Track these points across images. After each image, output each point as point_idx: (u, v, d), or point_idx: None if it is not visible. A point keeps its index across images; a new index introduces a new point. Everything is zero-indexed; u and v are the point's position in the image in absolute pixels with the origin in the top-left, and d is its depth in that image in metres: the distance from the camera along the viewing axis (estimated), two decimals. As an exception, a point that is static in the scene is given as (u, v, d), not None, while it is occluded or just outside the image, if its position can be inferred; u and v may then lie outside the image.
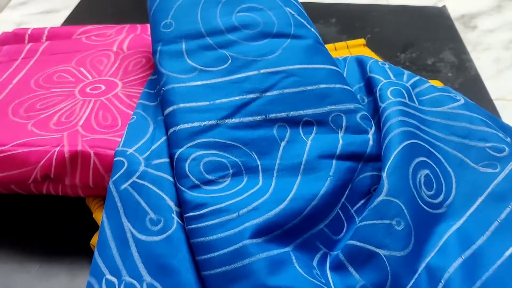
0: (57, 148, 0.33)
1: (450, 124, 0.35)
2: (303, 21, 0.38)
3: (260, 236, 0.28)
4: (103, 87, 0.40)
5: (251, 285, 0.26)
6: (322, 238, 0.31)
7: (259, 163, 0.32)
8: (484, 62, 0.56)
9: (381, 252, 0.28)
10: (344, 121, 0.34)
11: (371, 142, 0.34)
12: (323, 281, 0.28)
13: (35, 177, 0.34)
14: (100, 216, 0.34)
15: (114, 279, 0.29)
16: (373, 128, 0.35)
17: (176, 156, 0.32)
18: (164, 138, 0.34)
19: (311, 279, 0.27)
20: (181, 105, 0.34)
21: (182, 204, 0.31)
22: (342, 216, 0.32)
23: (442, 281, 0.28)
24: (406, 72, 0.41)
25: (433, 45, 0.57)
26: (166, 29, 0.37)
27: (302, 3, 0.42)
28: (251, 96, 0.34)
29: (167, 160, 0.33)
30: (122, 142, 0.34)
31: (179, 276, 0.28)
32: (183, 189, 0.31)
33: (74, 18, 0.64)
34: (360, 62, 0.41)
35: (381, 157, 0.32)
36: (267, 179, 0.32)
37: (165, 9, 0.38)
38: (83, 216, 0.36)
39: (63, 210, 0.38)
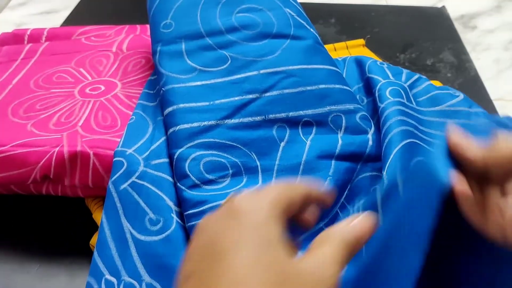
0: (57, 149, 0.33)
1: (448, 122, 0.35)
2: (302, 21, 0.39)
3: None
4: (103, 88, 0.40)
5: None
6: None
7: (258, 163, 0.32)
8: (483, 63, 0.56)
9: None
10: (344, 121, 0.34)
11: (370, 142, 0.34)
12: None
13: (35, 177, 0.34)
14: (99, 216, 0.34)
15: (114, 279, 0.29)
16: (373, 128, 0.35)
17: (175, 156, 0.32)
18: (163, 139, 0.34)
19: None
20: (181, 105, 0.34)
21: (182, 202, 0.31)
22: (342, 216, 0.32)
23: None
24: (405, 71, 0.41)
25: (432, 46, 0.57)
26: (165, 29, 0.37)
27: (301, 3, 0.42)
28: (250, 96, 0.34)
29: (166, 160, 0.33)
30: (121, 143, 0.34)
31: (177, 275, 0.28)
32: (183, 188, 0.31)
33: (74, 19, 0.64)
34: (359, 63, 0.41)
35: (382, 157, 0.32)
36: (267, 179, 0.32)
37: (165, 9, 0.38)
38: (82, 216, 0.36)
39: (63, 211, 0.38)
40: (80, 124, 0.36)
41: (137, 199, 0.31)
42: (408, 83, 0.39)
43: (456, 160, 0.22)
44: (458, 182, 0.21)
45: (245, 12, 0.38)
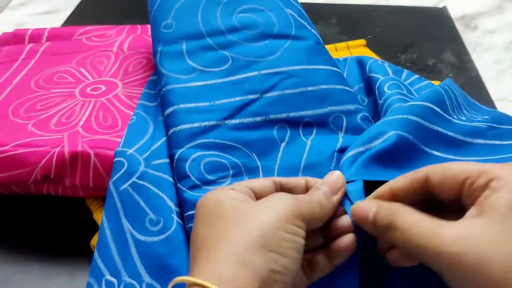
0: (57, 149, 0.33)
1: None
2: (303, 22, 0.38)
3: None
4: (104, 88, 0.40)
5: None
6: None
7: (259, 164, 0.32)
8: (484, 63, 0.56)
9: None
10: (345, 122, 0.34)
11: None
12: None
13: (35, 177, 0.33)
14: (100, 216, 0.34)
15: (114, 280, 0.29)
16: None
17: (176, 157, 0.32)
18: (164, 139, 0.34)
19: None
20: (182, 105, 0.33)
21: (182, 203, 0.31)
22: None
23: None
24: (405, 71, 0.40)
25: (433, 46, 0.57)
26: (166, 29, 0.37)
27: (302, 3, 0.42)
28: (251, 97, 0.34)
29: (167, 160, 0.33)
30: (122, 143, 0.34)
31: (178, 276, 0.28)
32: (184, 189, 0.31)
33: (74, 19, 0.64)
34: (360, 63, 0.41)
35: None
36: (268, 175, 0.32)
37: (166, 9, 0.38)
38: (83, 216, 0.36)
39: (63, 211, 0.38)
40: (80, 124, 0.36)
41: (138, 200, 0.31)
42: (409, 81, 0.39)
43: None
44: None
45: (246, 13, 0.38)
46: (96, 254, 0.30)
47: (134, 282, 0.29)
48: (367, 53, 0.50)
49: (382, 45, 0.56)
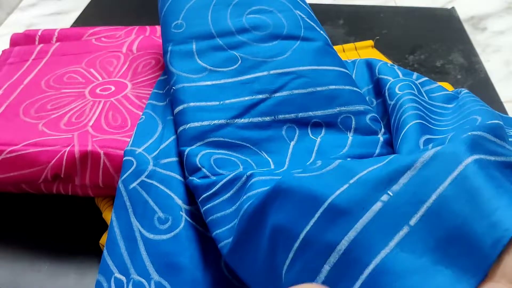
0: (68, 148, 0.33)
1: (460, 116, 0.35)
2: (312, 23, 0.39)
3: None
4: (113, 88, 0.40)
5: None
6: None
7: (269, 159, 0.32)
8: (494, 64, 0.55)
9: None
10: (354, 122, 0.34)
11: (380, 143, 0.34)
12: None
13: (46, 176, 0.34)
14: (109, 216, 0.34)
15: (123, 278, 0.30)
16: (383, 129, 0.35)
17: (186, 153, 0.32)
18: (172, 138, 0.34)
19: None
20: (191, 104, 0.34)
21: (194, 191, 0.31)
22: None
23: None
24: (415, 74, 0.40)
25: (442, 47, 0.57)
26: (177, 29, 0.38)
27: (309, 4, 0.42)
28: (260, 96, 0.34)
29: (175, 159, 0.33)
30: (131, 142, 0.34)
31: (186, 274, 0.29)
32: (195, 179, 0.31)
33: (83, 20, 0.64)
34: (369, 65, 0.41)
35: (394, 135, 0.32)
36: (279, 167, 0.32)
37: (176, 10, 0.39)
38: (92, 216, 0.36)
39: (73, 210, 0.38)
40: (90, 124, 0.36)
41: (146, 198, 0.31)
42: (419, 81, 0.39)
43: None
44: None
45: (256, 14, 0.38)
46: (105, 252, 0.31)
47: (143, 280, 0.29)
48: (375, 54, 0.50)
49: (390, 46, 0.56)
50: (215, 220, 0.28)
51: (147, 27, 0.50)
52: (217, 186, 0.29)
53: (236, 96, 0.34)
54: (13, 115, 0.38)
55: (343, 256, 0.20)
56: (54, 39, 0.48)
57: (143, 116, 0.37)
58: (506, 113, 0.47)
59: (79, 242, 0.36)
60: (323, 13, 0.58)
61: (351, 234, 0.20)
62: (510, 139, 0.27)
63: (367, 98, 0.38)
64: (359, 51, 0.50)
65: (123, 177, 0.32)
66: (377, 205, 0.20)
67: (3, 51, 0.47)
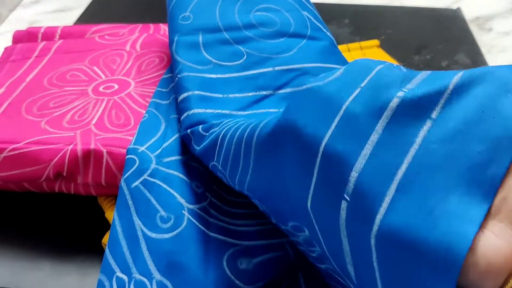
0: (70, 147, 0.33)
1: None
2: (319, 25, 0.39)
3: None
4: (116, 86, 0.40)
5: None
6: None
7: None
8: (499, 65, 0.55)
9: None
10: None
11: None
12: None
13: (48, 175, 0.34)
14: (111, 215, 0.34)
15: (124, 277, 0.29)
16: None
17: (189, 131, 0.32)
18: (175, 137, 0.34)
19: None
20: (196, 92, 0.34)
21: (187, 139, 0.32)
22: None
23: None
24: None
25: (447, 47, 0.56)
26: (184, 21, 0.38)
27: (314, 4, 0.42)
28: (264, 93, 0.34)
29: (178, 158, 0.33)
30: (133, 140, 0.34)
31: (188, 273, 0.28)
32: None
33: (86, 17, 0.64)
34: None
35: None
36: None
37: (184, 4, 0.39)
38: (94, 215, 0.36)
39: (75, 209, 0.38)
40: (93, 122, 0.36)
41: (149, 197, 0.31)
42: None
43: None
44: None
45: (263, 11, 0.38)
46: (107, 251, 0.30)
47: (144, 279, 0.29)
48: (380, 53, 0.50)
49: (395, 46, 0.56)
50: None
51: (151, 25, 0.49)
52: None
53: (240, 91, 0.34)
54: (15, 112, 0.37)
55: None
56: (57, 36, 0.48)
57: (146, 115, 0.36)
58: None
59: (81, 242, 0.36)
60: (329, 13, 0.58)
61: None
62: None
63: None
64: (364, 51, 0.50)
65: (125, 176, 0.32)
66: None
67: (6, 49, 0.46)
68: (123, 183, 0.32)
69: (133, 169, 0.32)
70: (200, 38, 0.37)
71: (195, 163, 0.34)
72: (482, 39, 0.59)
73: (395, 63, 0.41)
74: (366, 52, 0.50)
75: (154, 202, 0.31)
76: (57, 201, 0.39)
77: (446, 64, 0.54)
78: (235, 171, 0.27)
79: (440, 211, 0.15)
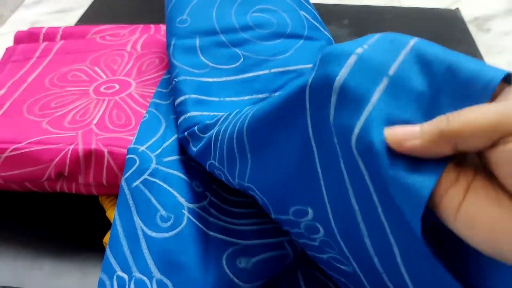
0: (72, 146, 0.33)
1: None
2: (316, 24, 0.39)
3: None
4: (117, 87, 0.40)
5: None
6: None
7: None
8: (498, 65, 0.55)
9: None
10: None
11: None
12: None
13: (49, 175, 0.34)
14: (113, 214, 0.34)
15: (125, 275, 0.29)
16: None
17: (186, 133, 0.33)
18: (175, 136, 0.35)
19: None
20: (193, 95, 0.34)
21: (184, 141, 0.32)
22: None
23: None
24: None
25: (446, 48, 0.56)
26: (181, 24, 0.38)
27: (314, 4, 0.42)
28: (260, 96, 0.34)
29: (178, 157, 0.33)
30: (134, 140, 0.34)
31: (188, 272, 0.28)
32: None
33: (88, 18, 0.64)
34: None
35: None
36: None
37: (182, 6, 0.39)
38: (96, 214, 0.36)
39: (76, 209, 0.38)
40: (94, 122, 0.36)
41: (149, 196, 0.32)
42: None
43: None
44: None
45: (260, 12, 0.38)
46: (108, 250, 0.31)
47: (145, 278, 0.29)
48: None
49: (394, 46, 0.56)
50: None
51: (152, 25, 0.50)
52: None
53: (236, 95, 0.34)
54: (17, 113, 0.38)
55: None
56: (59, 37, 0.48)
57: (147, 115, 0.37)
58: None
59: (83, 241, 0.36)
60: (328, 13, 0.58)
61: None
62: None
63: None
64: (363, 51, 0.50)
65: (126, 175, 0.33)
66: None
67: (7, 49, 0.47)
68: (123, 183, 0.32)
69: (133, 168, 0.33)
70: (197, 42, 0.37)
71: (195, 163, 0.34)
72: (481, 40, 0.59)
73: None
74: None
75: (154, 201, 0.31)
76: (59, 200, 0.39)
77: (445, 65, 0.54)
78: (234, 165, 0.28)
79: None
